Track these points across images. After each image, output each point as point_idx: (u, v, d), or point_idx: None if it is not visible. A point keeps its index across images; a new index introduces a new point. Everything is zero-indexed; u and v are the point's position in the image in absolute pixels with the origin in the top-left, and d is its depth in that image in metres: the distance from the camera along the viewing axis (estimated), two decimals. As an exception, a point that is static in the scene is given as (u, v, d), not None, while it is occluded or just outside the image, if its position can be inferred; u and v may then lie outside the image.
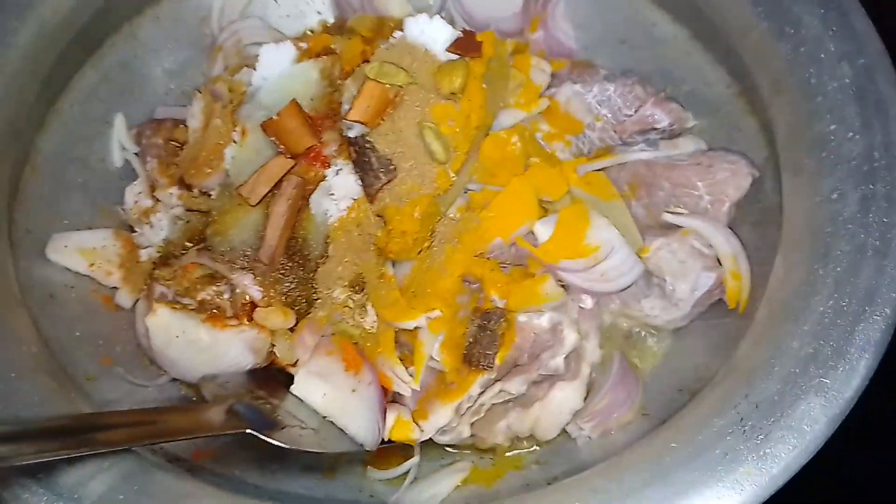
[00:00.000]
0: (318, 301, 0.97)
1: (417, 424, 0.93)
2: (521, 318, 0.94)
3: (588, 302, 0.99)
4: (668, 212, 1.02)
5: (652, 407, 0.98)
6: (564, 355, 0.94)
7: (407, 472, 0.99)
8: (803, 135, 0.95)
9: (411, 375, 0.95)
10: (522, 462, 1.00)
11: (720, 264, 0.99)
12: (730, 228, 1.01)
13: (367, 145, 0.96)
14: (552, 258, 0.95)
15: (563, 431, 1.00)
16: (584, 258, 0.95)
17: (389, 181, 0.95)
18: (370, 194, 0.96)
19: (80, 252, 1.04)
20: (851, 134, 0.90)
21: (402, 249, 0.95)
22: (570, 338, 0.94)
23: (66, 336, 0.97)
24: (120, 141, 1.15)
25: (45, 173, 1.06)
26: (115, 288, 1.06)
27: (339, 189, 0.98)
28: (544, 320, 0.94)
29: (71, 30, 1.07)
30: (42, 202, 1.05)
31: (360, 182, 0.97)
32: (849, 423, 0.79)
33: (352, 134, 0.98)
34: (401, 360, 0.95)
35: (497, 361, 0.91)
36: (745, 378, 0.82)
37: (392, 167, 0.95)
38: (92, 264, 1.04)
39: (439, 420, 0.92)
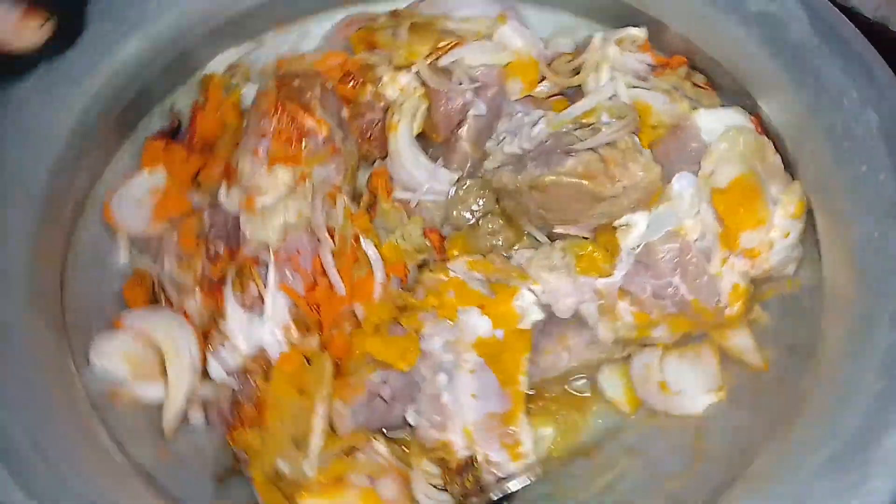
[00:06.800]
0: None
1: None
2: None
3: None
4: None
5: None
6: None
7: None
8: (834, 178, 0.99)
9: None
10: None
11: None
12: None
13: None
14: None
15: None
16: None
17: None
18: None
19: (124, 357, 0.97)
20: (884, 175, 0.95)
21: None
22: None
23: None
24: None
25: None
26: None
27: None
28: None
29: (137, 83, 1.10)
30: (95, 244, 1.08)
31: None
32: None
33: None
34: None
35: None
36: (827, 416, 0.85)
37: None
38: (134, 370, 0.97)
39: None
